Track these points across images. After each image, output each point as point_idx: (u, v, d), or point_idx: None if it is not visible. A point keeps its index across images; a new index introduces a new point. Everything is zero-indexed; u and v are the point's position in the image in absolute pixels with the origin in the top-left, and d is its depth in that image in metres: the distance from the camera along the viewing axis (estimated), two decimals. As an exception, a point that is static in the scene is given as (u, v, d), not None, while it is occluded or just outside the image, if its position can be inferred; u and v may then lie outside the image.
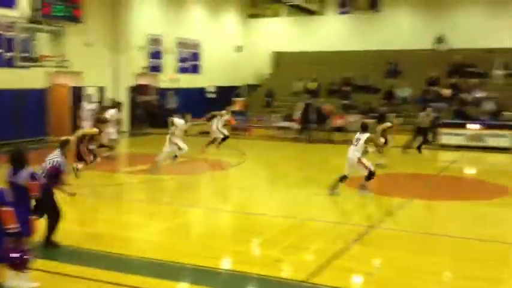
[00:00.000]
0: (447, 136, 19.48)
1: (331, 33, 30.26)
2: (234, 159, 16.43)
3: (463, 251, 7.81)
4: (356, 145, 11.03)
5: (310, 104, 22.34)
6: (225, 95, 27.62)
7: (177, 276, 6.73)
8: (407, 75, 26.31)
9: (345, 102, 24.97)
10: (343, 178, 11.14)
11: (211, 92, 29.12)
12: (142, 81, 25.54)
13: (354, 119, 22.47)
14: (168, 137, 13.73)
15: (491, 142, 18.70)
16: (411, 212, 10.37)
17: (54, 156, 7.49)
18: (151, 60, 25.71)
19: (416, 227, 9.26)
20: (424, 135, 18.25)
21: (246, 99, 27.46)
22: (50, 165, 7.35)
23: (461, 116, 21.61)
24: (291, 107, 24.38)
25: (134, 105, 24.56)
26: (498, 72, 24.84)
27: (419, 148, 18.05)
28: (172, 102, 25.65)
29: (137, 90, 25.02)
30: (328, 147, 19.99)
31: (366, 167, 10.94)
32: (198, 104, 26.74)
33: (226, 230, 9.22)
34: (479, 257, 7.53)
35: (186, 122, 14.19)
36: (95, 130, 12.93)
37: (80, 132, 12.94)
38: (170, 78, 26.68)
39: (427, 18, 28.24)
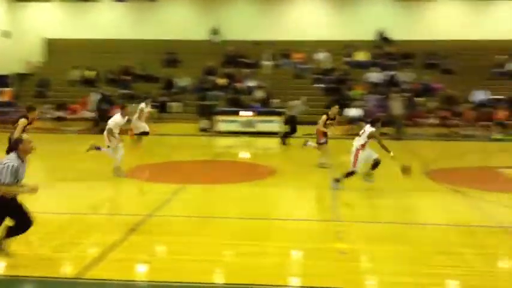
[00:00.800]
0: (223, 123, 20.57)
1: (107, 21, 29.37)
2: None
3: (238, 230, 8.35)
4: (360, 136, 10.78)
5: (104, 94, 21.55)
6: (-10, 84, 25.06)
7: None
8: (186, 65, 26.98)
9: (125, 91, 24.65)
10: (350, 174, 10.83)
11: (-27, 82, 26.16)
12: None
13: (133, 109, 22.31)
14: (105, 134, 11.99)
15: (262, 127, 20.29)
16: (187, 197, 10.71)
17: (9, 161, 6.29)
18: None
19: (191, 211, 9.60)
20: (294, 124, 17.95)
21: (14, 89, 25.27)
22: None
23: (235, 104, 22.97)
24: (67, 96, 23.21)
25: None
26: (267, 63, 26.96)
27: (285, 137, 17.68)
28: None
29: None
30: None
31: (353, 164, 10.72)
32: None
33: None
34: (252, 234, 8.12)
35: (124, 116, 12.33)
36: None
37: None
38: None
39: (203, 10, 29.19)
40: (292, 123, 18.10)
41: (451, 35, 27.05)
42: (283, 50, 27.46)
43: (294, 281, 6.53)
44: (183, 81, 25.87)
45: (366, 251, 7.45)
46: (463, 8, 28.10)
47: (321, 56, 26.84)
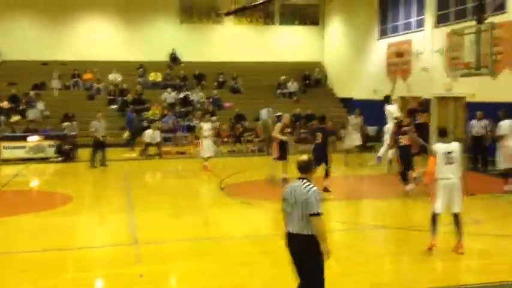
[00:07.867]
0: (8, 150, 18.95)
1: None
2: None
3: (25, 264, 7.80)
4: None
5: None
6: None
7: None
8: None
9: None
10: None
11: None
12: None
13: None
14: None
15: (52, 153, 19.16)
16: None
17: None
18: None
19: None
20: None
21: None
22: None
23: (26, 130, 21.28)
24: None
25: None
26: (55, 84, 25.69)
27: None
28: None
29: None
30: None
31: None
32: None
33: None
34: (47, 268, 7.62)
35: None
36: None
37: None
38: None
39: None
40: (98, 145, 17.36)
41: (237, 58, 28.87)
42: (73, 71, 26.46)
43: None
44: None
45: (167, 271, 7.57)
46: (245, 32, 30.04)
47: (114, 76, 26.47)
